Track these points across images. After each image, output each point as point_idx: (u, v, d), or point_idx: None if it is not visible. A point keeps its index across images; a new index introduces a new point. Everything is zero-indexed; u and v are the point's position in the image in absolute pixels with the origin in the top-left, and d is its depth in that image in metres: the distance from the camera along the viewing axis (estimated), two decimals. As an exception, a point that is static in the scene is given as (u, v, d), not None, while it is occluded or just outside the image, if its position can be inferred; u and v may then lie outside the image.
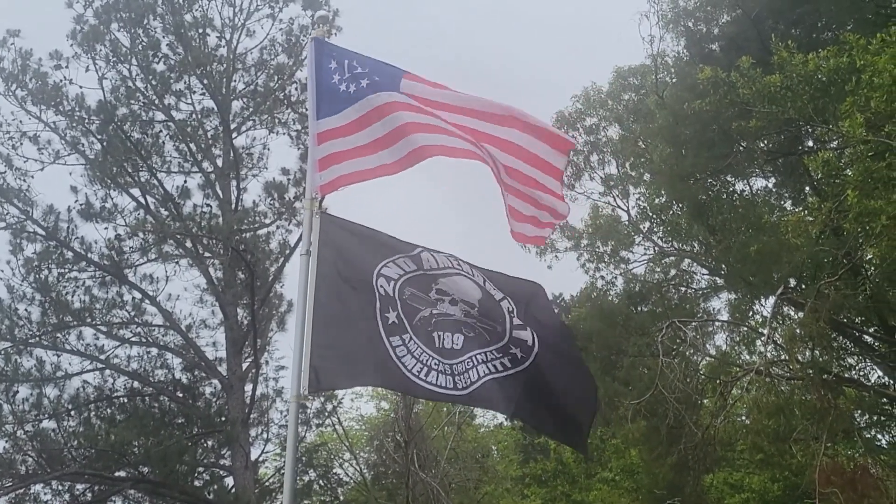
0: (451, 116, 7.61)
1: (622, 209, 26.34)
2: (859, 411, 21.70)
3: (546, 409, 7.44)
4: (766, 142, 20.80)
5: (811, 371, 17.93)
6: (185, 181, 22.68)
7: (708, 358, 23.41)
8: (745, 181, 23.36)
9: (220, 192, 22.73)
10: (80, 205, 21.50)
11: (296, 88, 23.63)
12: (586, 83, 26.75)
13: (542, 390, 7.31)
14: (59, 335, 21.22)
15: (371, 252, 7.36)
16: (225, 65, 23.50)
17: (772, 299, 20.07)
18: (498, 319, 7.38)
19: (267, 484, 24.25)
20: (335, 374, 7.09)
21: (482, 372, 7.11)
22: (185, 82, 23.10)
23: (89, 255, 21.49)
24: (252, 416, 21.96)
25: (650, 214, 25.16)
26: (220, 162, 23.15)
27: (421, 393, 7.15)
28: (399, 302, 7.17)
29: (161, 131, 23.00)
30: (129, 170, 22.00)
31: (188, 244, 22.27)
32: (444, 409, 28.93)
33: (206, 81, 23.02)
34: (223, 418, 21.15)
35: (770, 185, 23.66)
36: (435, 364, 7.01)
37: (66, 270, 21.54)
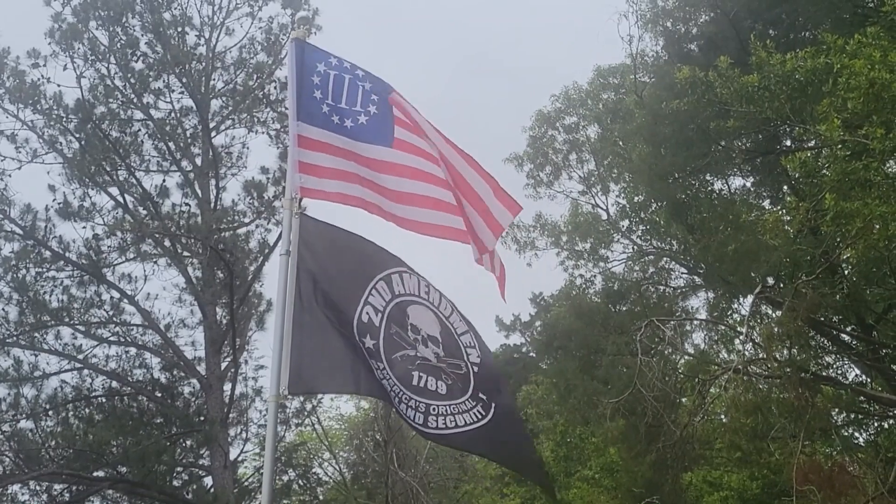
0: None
1: (601, 208, 26.47)
2: (837, 409, 21.79)
3: (517, 451, 7.50)
4: (744, 141, 20.89)
5: (789, 369, 18.02)
6: (164, 180, 22.62)
7: (686, 357, 23.51)
8: (724, 180, 23.48)
9: (198, 191, 22.67)
10: (58, 204, 21.40)
11: (275, 87, 23.61)
12: (575, 78, 26.95)
13: (509, 430, 7.34)
14: (36, 335, 21.12)
15: (355, 271, 7.35)
16: (204, 63, 23.44)
17: (750, 298, 20.15)
18: (458, 355, 7.37)
19: (246, 484, 24.21)
20: (317, 378, 7.08)
21: (468, 419, 7.08)
22: (163, 81, 23.03)
23: (67, 254, 21.40)
24: (231, 415, 21.90)
25: (629, 213, 25.25)
26: (198, 161, 23.08)
27: (399, 414, 7.15)
28: (382, 334, 7.14)
29: (139, 130, 22.93)
30: (108, 168, 21.92)
31: (167, 243, 22.21)
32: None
33: (184, 80, 22.95)
34: (202, 418, 21.10)
35: (748, 185, 23.79)
36: (406, 398, 6.97)
37: (44, 270, 21.45)
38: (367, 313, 7.15)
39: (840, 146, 15.84)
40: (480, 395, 7.22)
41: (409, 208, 7.72)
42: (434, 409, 7.00)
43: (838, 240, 17.10)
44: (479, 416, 7.11)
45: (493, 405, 7.23)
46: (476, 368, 7.38)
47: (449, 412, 7.02)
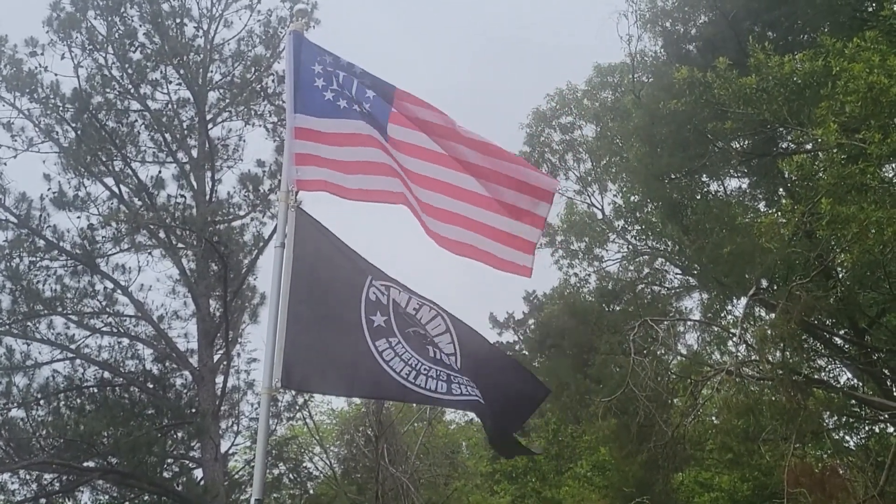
0: (432, 148, 7.65)
1: (597, 207, 26.46)
2: (828, 412, 21.82)
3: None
4: (740, 143, 20.89)
5: (781, 372, 18.02)
6: (160, 171, 22.65)
7: (679, 357, 23.52)
8: (720, 181, 23.46)
9: (194, 183, 22.65)
10: (53, 193, 21.36)
11: (273, 80, 23.58)
12: (568, 80, 26.93)
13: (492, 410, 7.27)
14: (29, 324, 21.07)
15: (353, 262, 7.34)
16: (202, 55, 23.41)
17: (744, 300, 20.17)
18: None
19: (236, 476, 24.17)
20: (310, 375, 7.08)
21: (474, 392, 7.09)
22: (161, 72, 23.00)
23: (61, 243, 21.35)
24: (223, 408, 21.90)
25: (624, 213, 25.25)
26: (195, 153, 23.06)
27: (412, 397, 7.06)
28: (392, 310, 7.13)
29: (136, 121, 22.90)
30: (103, 159, 21.90)
31: (161, 234, 22.19)
32: (416, 405, 28.94)
33: (182, 71, 22.91)
34: (193, 410, 21.09)
35: (744, 186, 23.78)
36: (425, 369, 6.95)
37: (38, 259, 21.39)
38: (375, 293, 7.14)
39: (836, 150, 15.84)
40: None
41: (426, 192, 7.66)
42: (455, 378, 6.99)
43: (833, 243, 17.11)
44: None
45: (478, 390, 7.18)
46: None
47: (465, 382, 7.01)
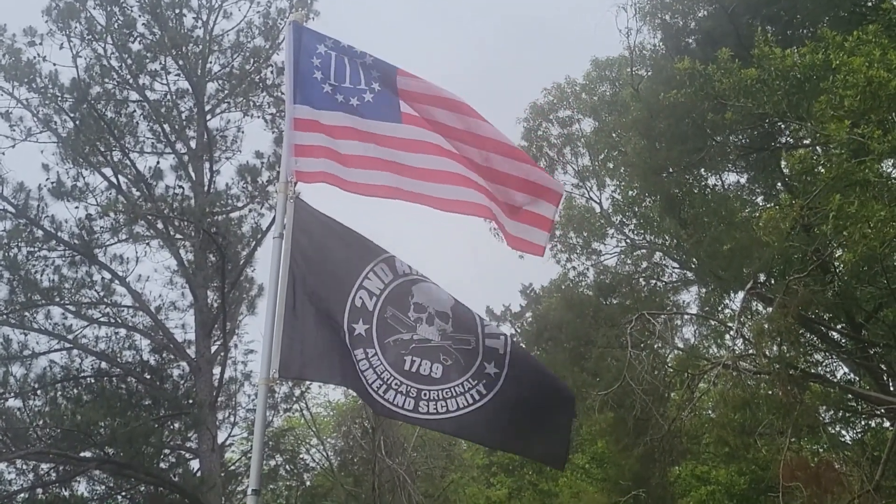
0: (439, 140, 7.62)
1: (595, 201, 26.44)
2: (824, 407, 21.83)
3: (525, 428, 7.29)
4: (739, 137, 20.88)
5: (778, 366, 18.03)
6: (158, 162, 22.62)
7: (676, 351, 23.53)
8: (718, 176, 23.45)
9: (192, 174, 22.63)
10: (52, 183, 21.33)
11: (271, 72, 23.57)
12: (566, 74, 26.89)
13: (518, 407, 7.12)
14: (26, 314, 21.05)
15: (349, 257, 7.27)
16: (201, 46, 23.38)
17: (741, 294, 20.20)
18: (471, 328, 7.15)
19: (233, 468, 24.21)
20: (306, 364, 7.08)
21: (461, 403, 6.94)
22: (160, 62, 22.98)
23: (59, 233, 21.33)
24: (220, 399, 21.91)
25: (622, 207, 25.24)
26: (193, 143, 23.05)
27: (378, 409, 7.02)
28: (376, 318, 7.08)
29: (135, 111, 22.89)
30: (102, 149, 21.89)
31: (159, 225, 22.19)
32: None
33: (181, 62, 22.88)
34: (191, 401, 21.08)
35: (742, 181, 23.77)
36: (396, 384, 6.90)
37: (36, 249, 21.35)
38: (361, 297, 7.09)
39: (838, 146, 15.82)
40: (488, 370, 7.04)
41: (428, 184, 7.59)
42: (425, 395, 6.91)
43: (830, 239, 17.11)
44: (478, 397, 6.99)
45: (503, 378, 7.03)
46: (490, 342, 7.15)
47: (440, 397, 6.92)
